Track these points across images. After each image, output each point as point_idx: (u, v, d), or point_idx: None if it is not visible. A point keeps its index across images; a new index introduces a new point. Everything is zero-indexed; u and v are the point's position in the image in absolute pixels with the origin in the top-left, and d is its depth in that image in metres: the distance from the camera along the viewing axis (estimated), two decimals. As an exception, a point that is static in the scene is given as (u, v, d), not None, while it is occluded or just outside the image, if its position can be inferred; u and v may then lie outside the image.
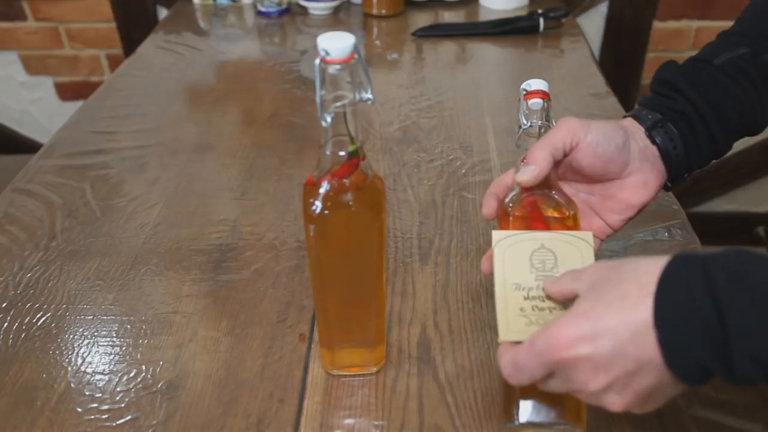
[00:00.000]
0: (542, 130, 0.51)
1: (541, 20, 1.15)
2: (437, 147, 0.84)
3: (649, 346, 0.36)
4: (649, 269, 0.37)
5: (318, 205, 0.44)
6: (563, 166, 0.51)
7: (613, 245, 0.66)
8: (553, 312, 0.43)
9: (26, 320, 0.59)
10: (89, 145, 0.86)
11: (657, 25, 1.45)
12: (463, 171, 0.79)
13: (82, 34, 1.53)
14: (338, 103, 0.41)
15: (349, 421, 0.50)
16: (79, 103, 1.12)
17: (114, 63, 1.56)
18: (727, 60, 0.53)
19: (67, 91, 1.63)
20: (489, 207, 0.51)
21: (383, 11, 1.26)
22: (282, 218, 0.72)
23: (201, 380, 0.53)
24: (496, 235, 0.46)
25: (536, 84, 0.52)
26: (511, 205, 0.50)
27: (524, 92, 0.52)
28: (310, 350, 0.56)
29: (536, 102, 0.52)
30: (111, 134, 0.89)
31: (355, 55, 0.40)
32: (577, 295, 0.40)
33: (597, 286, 0.39)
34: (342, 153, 0.43)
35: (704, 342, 0.34)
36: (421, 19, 1.25)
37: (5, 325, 0.59)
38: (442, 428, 0.49)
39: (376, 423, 0.50)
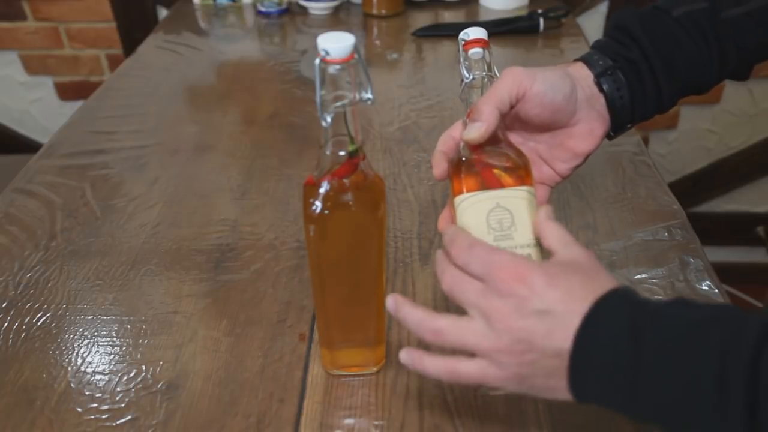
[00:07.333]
0: (486, 82, 0.49)
1: (541, 20, 1.15)
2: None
3: (565, 342, 0.37)
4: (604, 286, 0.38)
5: (318, 205, 0.44)
6: (510, 117, 0.50)
7: (614, 245, 0.66)
8: None
9: (26, 320, 0.59)
10: (89, 145, 0.86)
11: (657, 25, 1.45)
12: (463, 171, 0.79)
13: (82, 34, 1.53)
14: (338, 103, 0.41)
15: (349, 421, 0.50)
16: (79, 103, 1.12)
17: (114, 63, 1.56)
18: (685, 13, 0.51)
19: (67, 91, 1.63)
20: (439, 168, 0.49)
21: (383, 11, 1.26)
22: (282, 218, 0.72)
23: (201, 380, 0.53)
24: (455, 199, 0.45)
25: (474, 32, 0.49)
26: (462, 161, 0.47)
27: (463, 42, 0.50)
28: (310, 350, 0.56)
29: (476, 52, 0.49)
30: (111, 134, 0.89)
31: (355, 55, 0.40)
32: (552, 252, 0.41)
33: (575, 264, 0.39)
34: (342, 153, 0.43)
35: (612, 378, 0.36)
36: (421, 19, 1.25)
37: (5, 325, 0.59)
38: (442, 428, 0.49)
39: (376, 423, 0.50)
